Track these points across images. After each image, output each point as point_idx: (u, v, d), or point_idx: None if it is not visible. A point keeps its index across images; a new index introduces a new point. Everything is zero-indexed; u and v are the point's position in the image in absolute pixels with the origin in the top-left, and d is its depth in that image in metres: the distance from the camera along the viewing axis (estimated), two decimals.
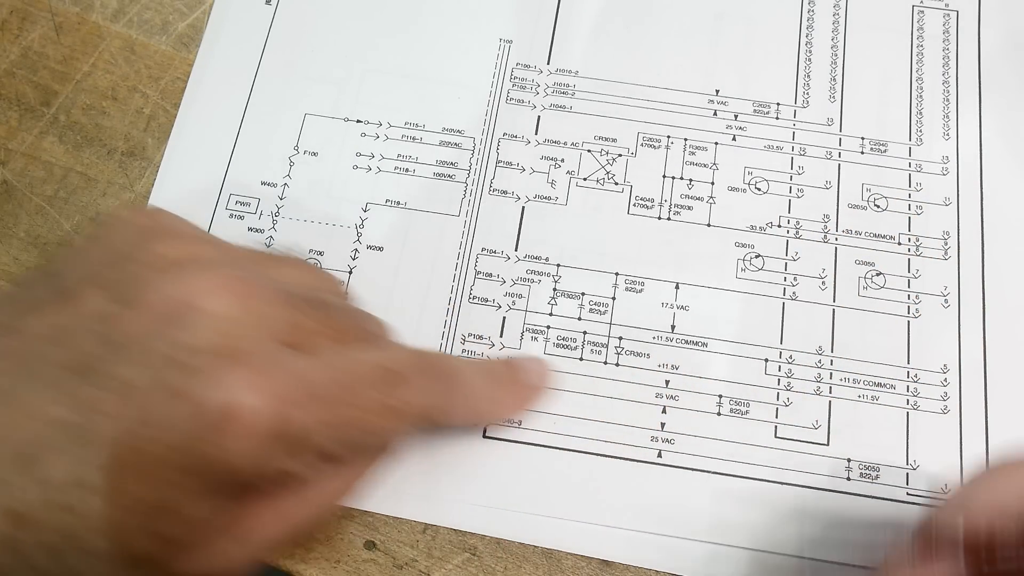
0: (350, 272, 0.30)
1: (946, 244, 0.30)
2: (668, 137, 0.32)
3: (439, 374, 0.24)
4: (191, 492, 0.19)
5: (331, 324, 0.23)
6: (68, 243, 0.23)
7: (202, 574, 0.21)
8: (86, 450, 0.19)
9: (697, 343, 0.29)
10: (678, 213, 0.31)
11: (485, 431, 0.28)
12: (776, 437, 0.28)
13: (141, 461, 0.19)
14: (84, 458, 0.19)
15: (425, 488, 0.28)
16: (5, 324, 0.21)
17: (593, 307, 0.30)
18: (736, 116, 0.32)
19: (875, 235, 0.31)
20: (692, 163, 0.32)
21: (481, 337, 0.29)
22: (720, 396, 0.29)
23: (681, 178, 0.31)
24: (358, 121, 0.32)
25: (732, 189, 0.31)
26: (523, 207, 0.31)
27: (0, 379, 0.20)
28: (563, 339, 0.29)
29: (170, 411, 0.19)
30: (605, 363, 0.29)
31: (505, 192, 0.31)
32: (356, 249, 0.31)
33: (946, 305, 0.30)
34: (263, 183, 0.32)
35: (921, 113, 0.32)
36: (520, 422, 0.28)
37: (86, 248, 0.23)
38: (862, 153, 0.32)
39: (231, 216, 0.31)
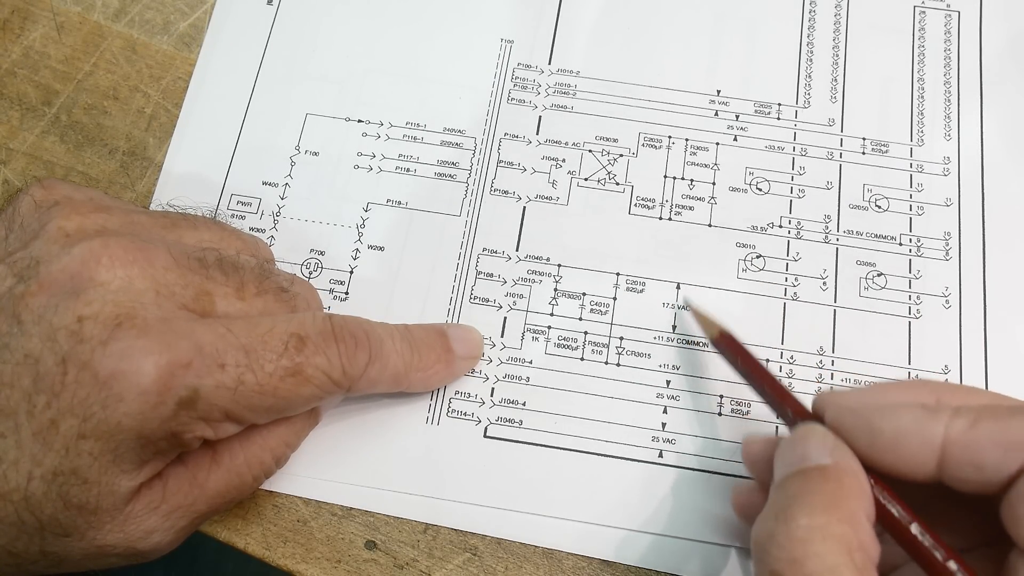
0: (351, 272, 0.30)
1: (947, 245, 0.30)
2: (669, 137, 0.32)
3: (349, 339, 0.24)
4: (96, 457, 0.20)
5: (242, 287, 0.24)
6: None
7: (123, 544, 0.22)
8: None
9: (698, 343, 0.29)
10: (679, 213, 0.31)
11: (486, 431, 0.28)
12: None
13: (48, 431, 0.20)
14: None
15: (426, 488, 0.28)
16: None
17: (594, 307, 0.30)
18: (737, 116, 0.32)
19: (876, 235, 0.31)
20: (693, 163, 0.32)
21: (482, 337, 0.29)
22: (721, 396, 0.29)
23: (682, 178, 0.31)
24: (359, 121, 0.32)
25: (733, 189, 0.31)
26: (524, 207, 0.31)
27: None
28: (564, 339, 0.29)
29: (68, 380, 0.20)
30: (606, 363, 0.29)
31: (506, 192, 0.31)
32: (357, 249, 0.31)
33: (947, 306, 0.30)
34: (264, 183, 0.32)
35: (922, 113, 0.32)
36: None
37: None
38: (863, 153, 0.32)
39: (232, 216, 0.31)
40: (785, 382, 0.29)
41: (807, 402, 0.24)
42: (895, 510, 0.21)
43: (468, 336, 0.28)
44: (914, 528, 0.20)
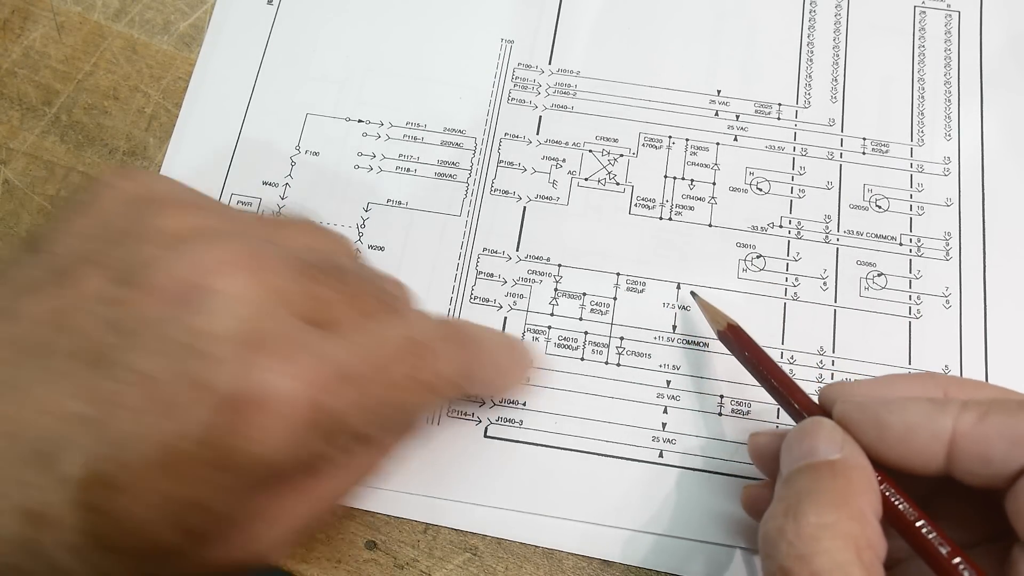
0: None
1: (947, 245, 0.30)
2: (670, 137, 0.32)
3: (464, 341, 0.23)
4: (220, 487, 0.18)
5: (350, 292, 0.21)
6: (53, 213, 0.21)
7: (232, 561, 0.20)
8: (107, 447, 0.18)
9: (698, 343, 0.29)
10: (679, 213, 0.31)
11: (486, 431, 0.28)
12: None
13: (166, 457, 0.18)
14: (106, 455, 0.17)
15: (426, 488, 0.28)
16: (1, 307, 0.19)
17: (594, 307, 0.30)
18: (738, 116, 0.32)
19: (876, 235, 0.31)
20: (693, 163, 0.32)
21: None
22: (721, 396, 0.29)
23: (683, 178, 0.31)
24: (359, 121, 0.32)
25: (733, 189, 0.31)
26: (524, 207, 0.31)
27: (3, 369, 0.18)
28: (564, 339, 0.29)
29: (195, 405, 0.18)
30: (606, 363, 0.29)
31: (506, 192, 0.31)
32: (357, 249, 0.31)
33: (947, 306, 0.30)
34: (265, 183, 0.32)
35: (923, 113, 0.32)
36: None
37: (75, 220, 0.21)
38: (863, 153, 0.32)
39: None
40: None
41: (812, 397, 0.24)
42: (902, 506, 0.21)
43: (528, 345, 0.29)
44: (920, 524, 0.20)
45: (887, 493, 0.21)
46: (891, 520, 0.21)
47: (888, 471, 0.21)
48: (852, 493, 0.20)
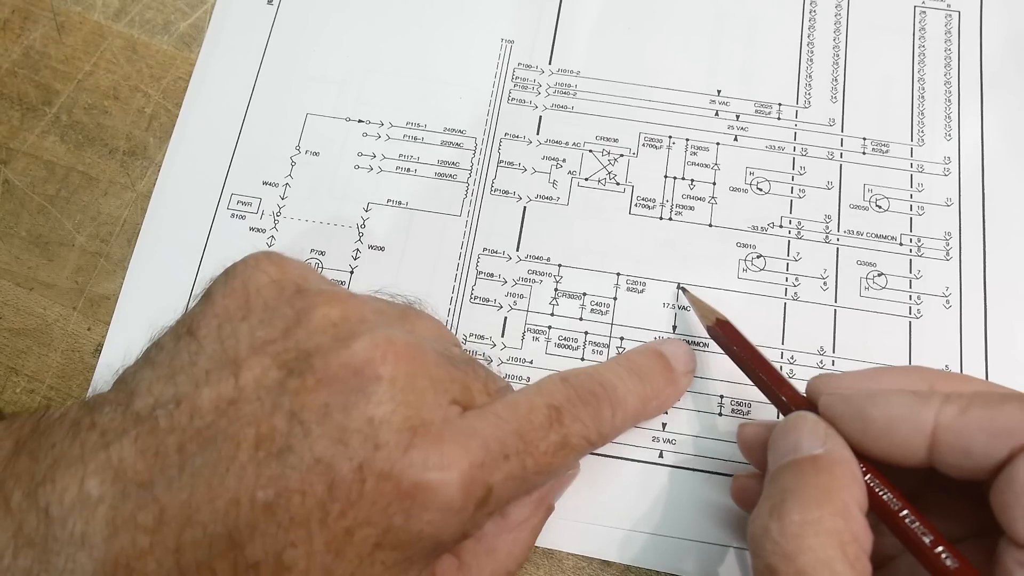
0: (351, 272, 0.30)
1: (948, 245, 0.30)
2: (670, 137, 0.32)
3: (591, 395, 0.24)
4: (389, 567, 0.20)
5: (483, 378, 0.23)
6: (204, 298, 0.22)
7: None
8: (289, 532, 0.19)
9: (698, 343, 0.29)
10: (680, 213, 0.31)
11: None
12: None
13: (341, 540, 0.19)
14: (287, 540, 0.19)
15: None
16: (173, 396, 0.20)
17: (594, 307, 0.30)
18: (738, 116, 0.32)
19: (877, 235, 0.31)
20: (694, 163, 0.32)
21: (482, 337, 0.29)
22: (721, 396, 0.29)
23: (683, 178, 0.31)
24: (360, 121, 0.32)
25: (734, 189, 0.31)
26: (525, 207, 0.31)
27: (193, 459, 0.19)
28: (564, 339, 0.29)
29: (368, 490, 0.19)
30: None
31: (507, 192, 0.31)
32: (358, 249, 0.31)
33: (948, 306, 0.30)
34: (265, 183, 0.32)
35: (923, 113, 0.32)
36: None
37: (229, 307, 0.22)
38: (864, 153, 0.32)
39: (232, 216, 0.31)
40: None
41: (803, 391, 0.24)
42: (887, 497, 0.21)
43: (682, 350, 0.28)
44: (904, 514, 0.20)
45: (872, 484, 0.21)
46: (877, 511, 0.21)
47: (875, 464, 0.21)
48: (835, 488, 0.20)
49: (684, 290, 0.28)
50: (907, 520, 0.20)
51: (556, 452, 0.22)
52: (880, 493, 0.21)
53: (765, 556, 0.19)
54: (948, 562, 0.19)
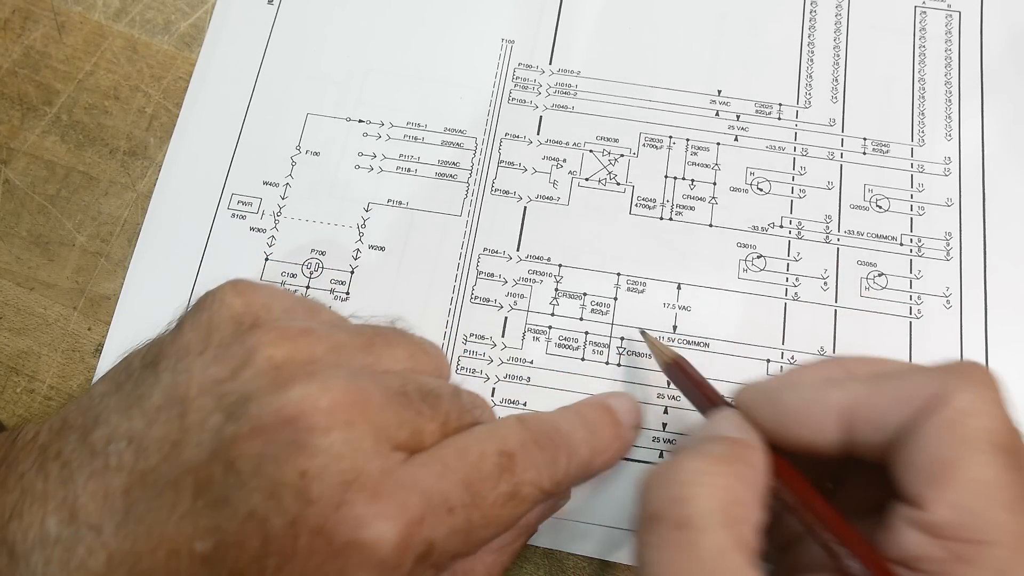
0: (352, 272, 0.30)
1: (948, 245, 0.30)
2: (670, 137, 0.32)
3: (548, 439, 0.23)
4: None
5: (441, 418, 0.22)
6: (175, 327, 0.22)
7: None
8: None
9: (699, 343, 0.29)
10: (680, 213, 0.31)
11: None
12: None
13: None
14: None
15: None
16: (126, 432, 0.20)
17: (595, 307, 0.30)
18: (738, 116, 0.32)
19: (877, 236, 0.31)
20: (694, 163, 0.32)
21: (483, 337, 0.29)
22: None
23: (683, 178, 0.31)
24: (360, 121, 0.32)
25: (734, 189, 0.31)
26: (525, 207, 0.31)
27: (137, 505, 0.19)
28: (565, 339, 0.29)
29: (300, 545, 0.19)
30: (607, 363, 0.29)
31: (507, 192, 0.31)
32: (358, 249, 0.31)
33: (948, 306, 0.30)
34: (265, 183, 0.32)
35: (923, 114, 0.32)
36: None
37: (191, 340, 0.21)
38: (864, 154, 0.32)
39: (233, 216, 0.31)
40: None
41: None
42: (792, 485, 0.21)
43: (629, 404, 0.27)
44: (807, 502, 0.20)
45: (782, 475, 0.21)
46: (785, 502, 0.21)
47: (793, 457, 0.21)
48: (736, 457, 0.20)
49: (644, 333, 0.27)
50: (810, 509, 0.20)
51: (505, 504, 0.21)
52: (786, 483, 0.21)
53: (652, 501, 0.20)
54: (845, 559, 0.19)
